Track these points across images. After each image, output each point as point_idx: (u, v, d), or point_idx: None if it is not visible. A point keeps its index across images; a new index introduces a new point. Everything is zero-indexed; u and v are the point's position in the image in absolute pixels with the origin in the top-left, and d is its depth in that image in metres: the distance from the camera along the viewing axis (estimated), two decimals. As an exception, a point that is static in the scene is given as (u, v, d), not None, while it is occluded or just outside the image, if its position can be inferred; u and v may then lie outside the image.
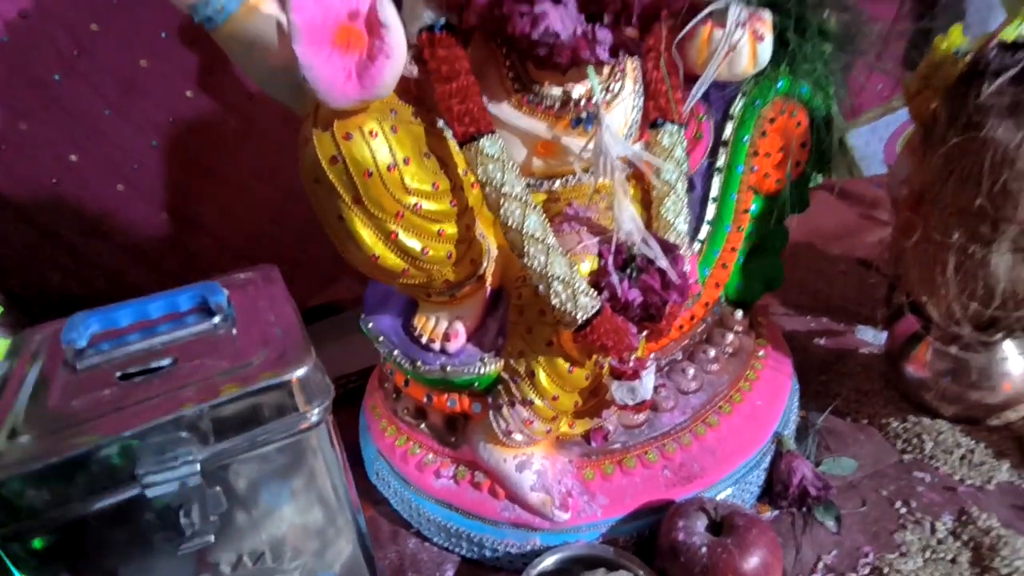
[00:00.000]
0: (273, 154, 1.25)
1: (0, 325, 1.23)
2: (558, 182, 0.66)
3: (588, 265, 0.59)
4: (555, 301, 0.56)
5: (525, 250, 0.56)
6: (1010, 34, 0.77)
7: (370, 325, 0.70)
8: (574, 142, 0.62)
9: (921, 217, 0.66)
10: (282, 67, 0.60)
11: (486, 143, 0.56)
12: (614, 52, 0.56)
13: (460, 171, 0.60)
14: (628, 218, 0.58)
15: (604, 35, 0.55)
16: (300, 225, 1.32)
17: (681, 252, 0.61)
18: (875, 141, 2.01)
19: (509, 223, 0.56)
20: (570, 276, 0.56)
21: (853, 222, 1.24)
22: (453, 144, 0.60)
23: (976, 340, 0.67)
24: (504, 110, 0.60)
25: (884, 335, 0.87)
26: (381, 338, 0.69)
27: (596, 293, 0.57)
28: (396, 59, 0.49)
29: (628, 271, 0.58)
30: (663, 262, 0.58)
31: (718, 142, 0.71)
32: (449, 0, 0.53)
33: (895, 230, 0.71)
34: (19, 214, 1.20)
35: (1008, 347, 0.71)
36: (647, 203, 0.67)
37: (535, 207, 0.57)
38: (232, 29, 0.58)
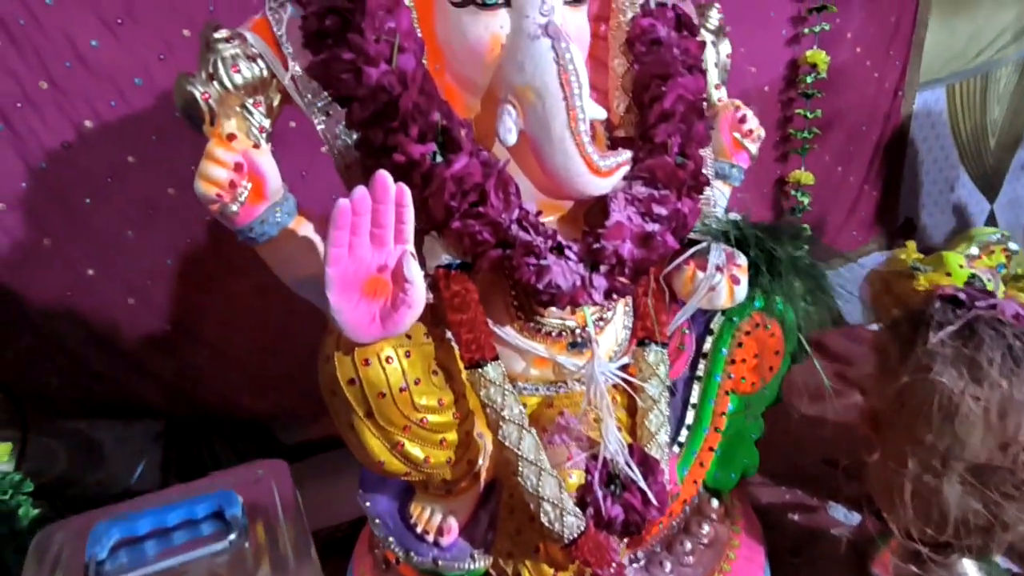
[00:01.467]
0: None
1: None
2: (552, 388, 0.73)
3: (576, 478, 0.65)
4: (544, 519, 0.62)
5: (519, 470, 0.62)
6: (959, 277, 0.88)
7: (367, 504, 0.75)
8: (569, 361, 0.70)
9: (879, 438, 0.73)
10: (312, 278, 0.68)
11: (489, 369, 0.64)
12: (608, 295, 0.65)
13: (463, 377, 0.67)
14: (613, 439, 0.65)
15: (600, 282, 0.64)
16: (302, 341, 1.35)
17: (662, 466, 0.67)
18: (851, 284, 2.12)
19: (505, 443, 0.63)
20: (559, 497, 0.62)
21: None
22: (458, 353, 0.67)
23: (933, 559, 0.72)
24: (508, 332, 0.68)
25: (856, 517, 0.92)
26: (377, 520, 0.74)
27: (581, 512, 0.62)
28: (416, 309, 0.57)
29: (612, 487, 0.65)
30: (642, 483, 0.64)
31: (699, 353, 0.79)
32: (465, 247, 0.62)
33: (860, 445, 0.78)
34: (26, 319, 1.23)
35: (967, 564, 0.76)
36: (632, 410, 0.74)
37: (530, 430, 0.63)
38: (271, 248, 0.67)
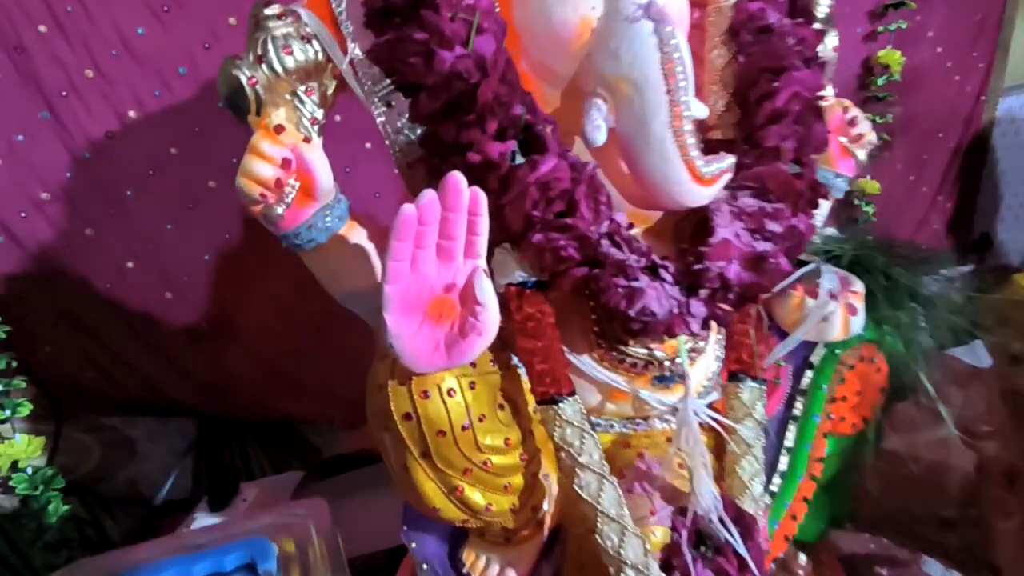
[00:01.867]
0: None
1: (29, 420, 1.21)
2: (629, 424, 0.63)
3: (660, 536, 0.55)
4: (624, 587, 0.52)
5: (599, 527, 0.53)
6: None
7: (413, 545, 0.66)
8: (654, 397, 0.60)
9: (1018, 498, 0.62)
10: (363, 292, 0.59)
11: (566, 407, 0.54)
12: (706, 324, 0.55)
13: (531, 409, 0.58)
14: (707, 493, 0.55)
15: (699, 309, 0.53)
16: (340, 344, 1.30)
17: (759, 523, 0.57)
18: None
19: (583, 495, 0.53)
20: (644, 562, 0.52)
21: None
22: (527, 384, 0.58)
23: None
24: (585, 362, 0.58)
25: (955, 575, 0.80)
26: (425, 566, 0.65)
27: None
28: (487, 337, 0.48)
29: (702, 549, 0.55)
30: (741, 548, 0.54)
31: (795, 390, 0.68)
32: (545, 264, 0.52)
33: (984, 503, 0.66)
34: (65, 312, 1.21)
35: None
36: (719, 451, 0.63)
37: (611, 479, 0.54)
38: (318, 256, 0.58)
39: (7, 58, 1.07)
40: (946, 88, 1.71)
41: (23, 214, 1.15)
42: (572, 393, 0.55)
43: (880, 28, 1.50)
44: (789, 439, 0.68)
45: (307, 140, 0.53)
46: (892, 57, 1.53)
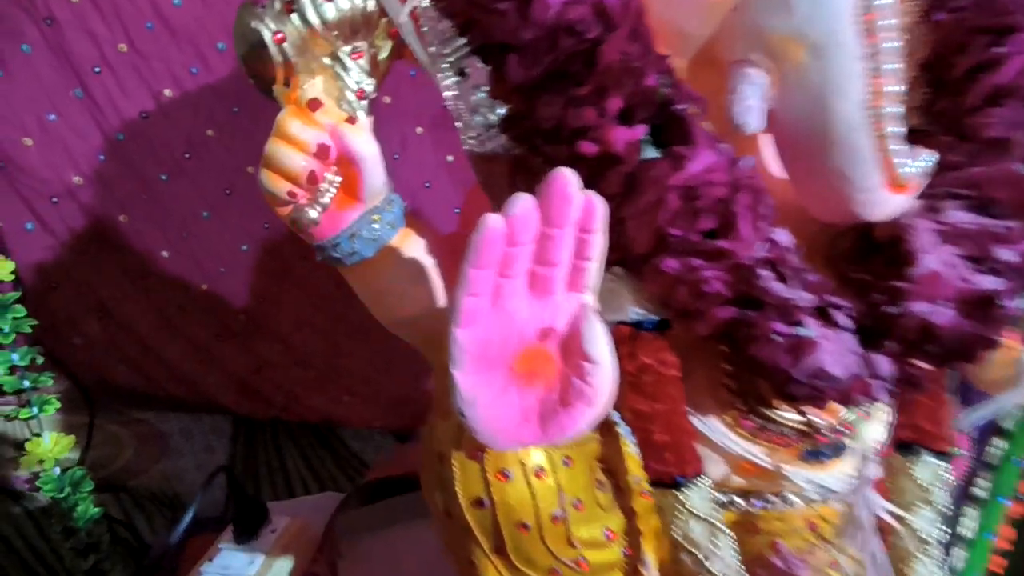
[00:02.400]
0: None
1: (63, 412, 1.15)
2: (758, 502, 0.47)
3: (808, 667, 0.40)
4: None
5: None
6: None
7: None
8: (802, 475, 0.43)
9: None
10: (419, 320, 0.45)
11: (692, 494, 0.39)
12: (893, 392, 0.38)
13: (630, 479, 0.43)
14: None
15: (886, 368, 0.37)
16: (383, 342, 1.20)
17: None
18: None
19: (712, 614, 0.38)
20: None
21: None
22: (630, 451, 0.42)
23: None
24: (712, 427, 0.42)
25: None
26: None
27: None
28: (599, 407, 0.33)
29: None
30: None
31: (978, 463, 0.51)
32: (675, 300, 0.36)
33: None
34: (96, 303, 1.14)
35: None
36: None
37: (752, 596, 0.38)
38: (363, 273, 0.44)
39: (37, 31, 0.98)
40: None
41: (54, 199, 1.07)
42: (699, 473, 0.39)
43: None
44: (966, 527, 0.51)
45: (351, 120, 0.39)
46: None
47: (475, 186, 0.47)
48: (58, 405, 1.12)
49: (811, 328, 0.36)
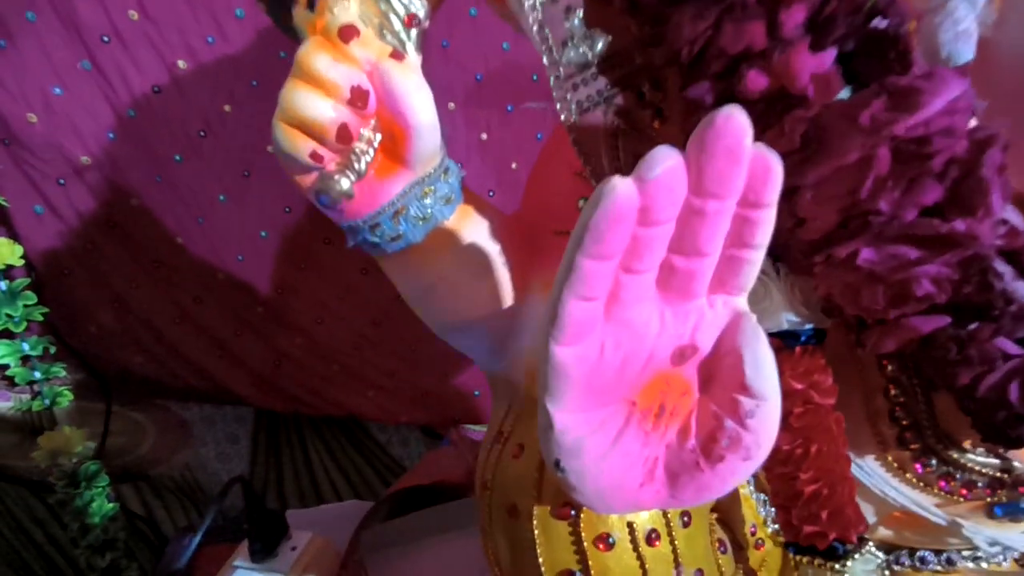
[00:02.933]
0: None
1: (81, 400, 1.10)
2: (906, 559, 0.36)
3: None
4: None
5: None
6: None
7: None
8: (983, 531, 0.32)
9: None
10: (479, 323, 0.34)
11: (856, 566, 0.28)
12: None
13: (747, 528, 0.32)
14: None
15: None
16: (409, 333, 1.12)
17: None
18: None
19: None
20: None
21: None
22: (745, 492, 0.32)
23: None
24: (868, 468, 0.31)
25: None
26: None
27: None
28: (758, 461, 0.22)
29: None
30: None
31: None
32: (861, 309, 0.25)
33: None
34: (109, 291, 1.06)
35: None
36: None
37: None
38: (410, 261, 0.33)
39: (43, -4, 0.90)
40: None
41: (61, 180, 0.99)
42: (865, 538, 0.29)
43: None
44: None
45: (397, 56, 0.28)
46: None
47: (546, 151, 0.36)
48: (71, 397, 1.07)
49: (1054, 347, 0.25)
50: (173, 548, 0.87)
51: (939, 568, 0.36)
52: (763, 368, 0.21)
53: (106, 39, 0.92)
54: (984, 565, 0.36)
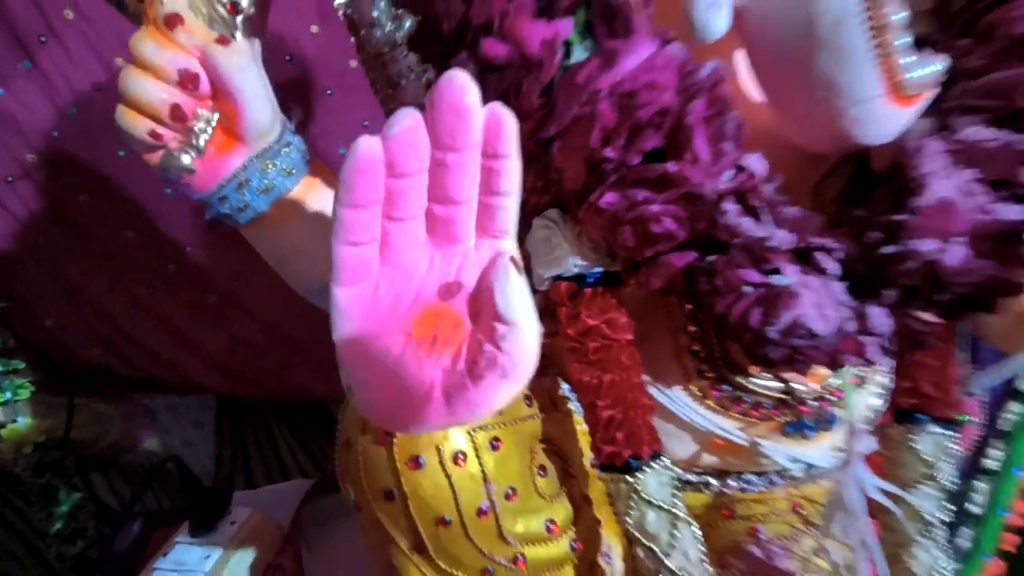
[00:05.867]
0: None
1: (44, 394, 1.11)
2: (733, 481, 0.40)
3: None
4: None
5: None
6: None
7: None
8: (783, 451, 0.36)
9: None
10: (325, 285, 0.37)
11: (649, 478, 0.31)
12: (890, 348, 0.31)
13: (586, 461, 0.36)
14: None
15: (882, 323, 0.29)
16: None
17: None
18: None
19: (676, 618, 0.31)
20: None
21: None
22: (584, 429, 0.35)
23: None
24: (676, 398, 0.35)
25: None
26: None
27: None
28: (517, 379, 0.25)
29: None
30: None
31: (990, 432, 0.44)
32: (623, 242, 0.28)
33: None
34: (64, 286, 1.08)
35: None
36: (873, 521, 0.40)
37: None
38: (262, 231, 0.36)
39: (-24, 0, 0.90)
40: None
41: (9, 178, 1.00)
42: (658, 454, 0.32)
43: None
44: (975, 503, 0.44)
45: (223, 41, 0.31)
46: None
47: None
48: (31, 389, 1.08)
49: (789, 275, 0.28)
50: (120, 533, 0.89)
51: (763, 489, 0.40)
52: (512, 298, 0.24)
53: (43, 39, 0.93)
54: (800, 485, 0.39)
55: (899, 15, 0.27)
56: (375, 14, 0.31)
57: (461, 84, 0.22)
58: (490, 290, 0.24)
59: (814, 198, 0.36)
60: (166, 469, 0.69)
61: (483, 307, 0.25)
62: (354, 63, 0.92)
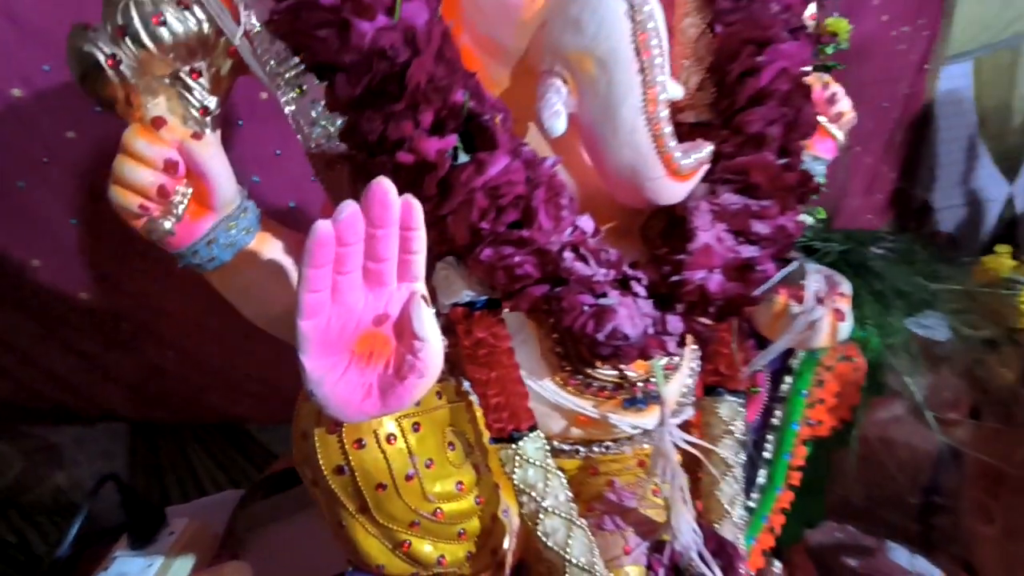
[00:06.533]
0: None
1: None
2: (596, 447, 0.55)
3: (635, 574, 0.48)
4: (600, 643, 0.45)
5: (567, 579, 0.45)
6: None
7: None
8: (626, 421, 0.51)
9: (1002, 505, 0.58)
10: (283, 316, 0.48)
11: (528, 445, 0.45)
12: (683, 342, 0.46)
13: (486, 440, 0.49)
14: (687, 529, 0.48)
15: (676, 326, 0.45)
16: (273, 342, 1.20)
17: (741, 551, 0.51)
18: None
19: (548, 542, 0.45)
20: (619, 614, 0.45)
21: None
22: (479, 412, 0.49)
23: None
24: (546, 387, 0.49)
25: (921, 561, 0.77)
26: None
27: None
28: (429, 378, 0.38)
29: (681, 588, 0.48)
30: (724, 583, 0.47)
31: (773, 397, 0.61)
32: (497, 282, 0.42)
33: (965, 505, 0.62)
34: None
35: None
36: (694, 471, 0.56)
37: (581, 523, 0.46)
38: (224, 275, 0.47)
39: None
40: (891, 58, 1.67)
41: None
42: (533, 428, 0.46)
43: (828, -10, 1.44)
44: (767, 451, 0.61)
45: (197, 136, 0.41)
46: (840, 25, 1.46)
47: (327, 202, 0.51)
48: None
49: (611, 298, 0.43)
50: (52, 553, 0.91)
51: (617, 452, 0.56)
52: (425, 323, 0.37)
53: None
54: (644, 446, 0.55)
55: (669, 128, 0.43)
56: (314, 114, 0.43)
57: (385, 187, 0.34)
58: (408, 318, 0.37)
59: (642, 234, 0.52)
60: (96, 488, 0.74)
61: (404, 329, 0.38)
62: (264, 95, 1.00)
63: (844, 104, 0.63)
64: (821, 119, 0.63)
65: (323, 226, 0.34)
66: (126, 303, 1.13)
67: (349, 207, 0.35)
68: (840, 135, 0.64)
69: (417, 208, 0.36)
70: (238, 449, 1.32)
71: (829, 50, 1.54)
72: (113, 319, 1.13)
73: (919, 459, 0.80)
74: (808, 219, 0.67)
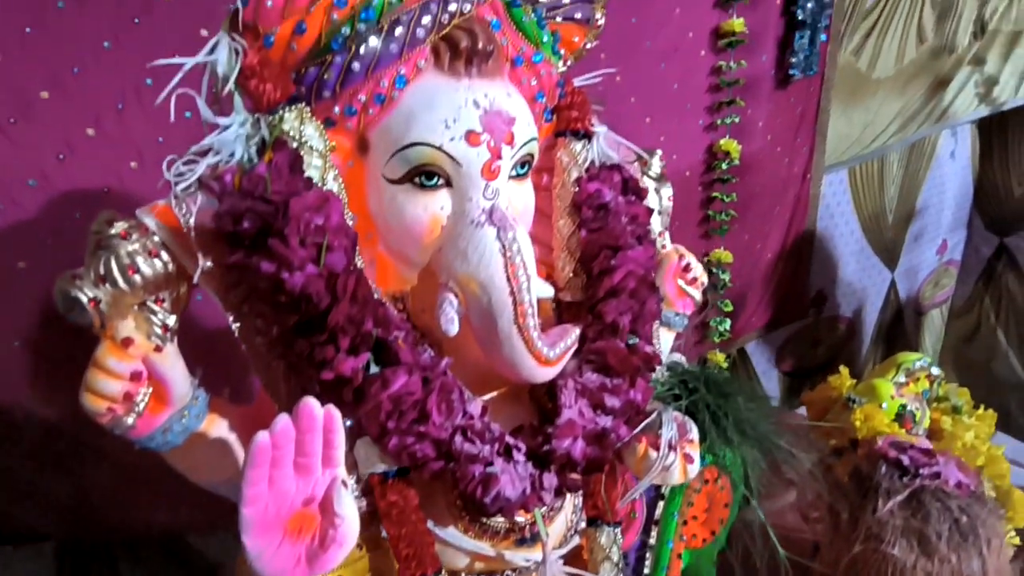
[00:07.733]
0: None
1: None
2: (499, 577, 0.66)
3: None
4: None
5: None
6: (891, 408, 0.88)
7: None
8: (517, 556, 0.63)
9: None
10: (228, 483, 0.58)
11: (433, 587, 0.56)
12: (559, 493, 0.59)
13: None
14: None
15: (551, 482, 0.58)
16: None
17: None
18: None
19: None
20: None
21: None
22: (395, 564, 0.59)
23: None
24: (451, 534, 0.61)
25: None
26: None
27: None
28: (348, 546, 0.49)
29: None
30: None
31: (650, 520, 0.74)
32: (403, 462, 0.55)
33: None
34: None
35: None
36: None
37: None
38: (176, 455, 0.57)
39: None
40: (777, 169, 1.95)
41: None
42: (439, 572, 0.57)
43: (718, 121, 1.70)
44: (647, 567, 0.74)
45: (158, 350, 0.53)
46: (731, 145, 1.73)
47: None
48: None
49: (496, 466, 0.55)
50: None
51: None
52: (344, 503, 0.48)
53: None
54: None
55: (536, 332, 0.57)
56: (259, 326, 0.55)
57: (312, 405, 0.46)
58: (331, 499, 0.48)
59: (530, 394, 0.65)
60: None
61: (327, 508, 0.49)
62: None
63: (697, 270, 0.80)
64: (680, 282, 0.78)
65: (262, 437, 0.45)
66: (60, 420, 1.14)
67: (282, 420, 0.46)
68: (696, 294, 0.80)
69: (337, 416, 0.48)
70: (173, 560, 1.32)
71: (724, 165, 1.79)
72: (46, 439, 1.14)
73: (800, 550, 0.93)
74: (676, 356, 0.81)
